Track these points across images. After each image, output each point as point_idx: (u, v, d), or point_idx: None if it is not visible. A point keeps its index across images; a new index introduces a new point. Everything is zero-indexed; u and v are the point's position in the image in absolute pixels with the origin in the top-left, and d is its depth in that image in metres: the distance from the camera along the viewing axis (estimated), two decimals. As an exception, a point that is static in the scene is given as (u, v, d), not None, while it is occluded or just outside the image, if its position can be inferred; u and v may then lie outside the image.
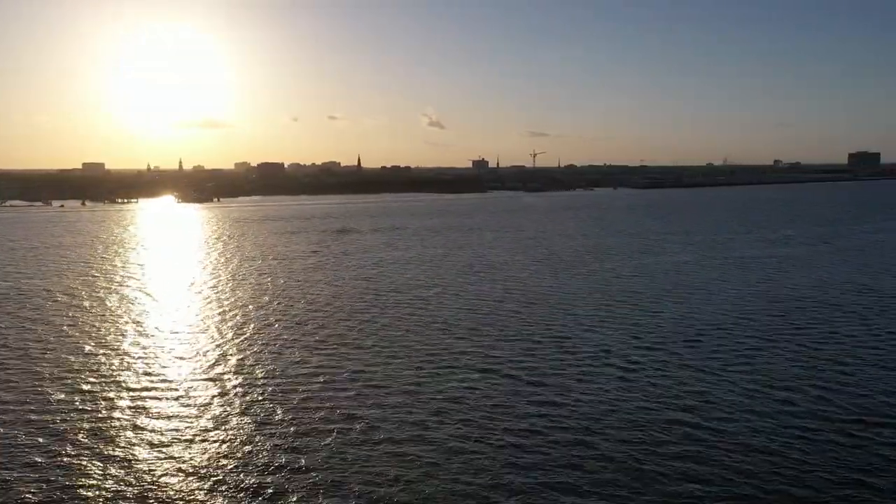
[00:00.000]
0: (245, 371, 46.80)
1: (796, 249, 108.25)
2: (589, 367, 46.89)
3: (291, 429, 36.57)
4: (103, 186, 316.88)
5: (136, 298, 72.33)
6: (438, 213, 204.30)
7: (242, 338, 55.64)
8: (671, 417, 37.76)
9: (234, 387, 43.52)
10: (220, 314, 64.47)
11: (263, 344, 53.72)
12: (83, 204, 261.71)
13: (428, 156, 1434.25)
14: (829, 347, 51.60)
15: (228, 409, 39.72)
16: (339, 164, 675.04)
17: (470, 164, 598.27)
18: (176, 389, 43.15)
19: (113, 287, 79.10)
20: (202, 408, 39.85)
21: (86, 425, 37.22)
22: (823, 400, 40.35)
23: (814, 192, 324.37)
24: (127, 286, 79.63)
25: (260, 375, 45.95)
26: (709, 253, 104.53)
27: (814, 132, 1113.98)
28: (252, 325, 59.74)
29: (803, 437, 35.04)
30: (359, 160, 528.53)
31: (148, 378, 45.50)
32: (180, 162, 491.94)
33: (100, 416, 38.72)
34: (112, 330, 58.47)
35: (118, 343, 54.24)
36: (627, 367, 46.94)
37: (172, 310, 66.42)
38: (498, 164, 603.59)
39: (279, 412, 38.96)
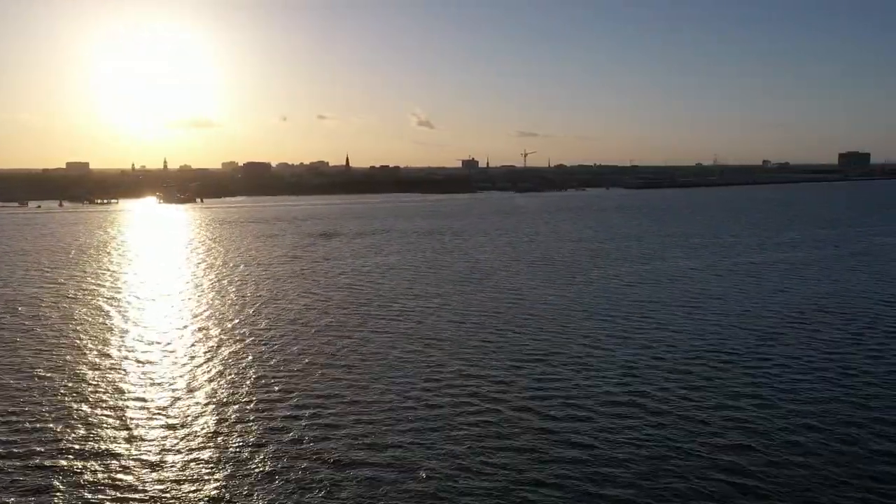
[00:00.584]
0: (201, 393, 40.13)
1: (805, 254, 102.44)
2: (604, 394, 40.47)
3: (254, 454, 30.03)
4: (83, 186, 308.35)
5: (85, 313, 64.78)
6: (427, 214, 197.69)
7: (198, 360, 48.85)
8: (715, 458, 31.48)
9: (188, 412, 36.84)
10: (177, 330, 57.52)
11: (226, 362, 47.04)
12: (60, 205, 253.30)
13: (417, 155, 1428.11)
14: (870, 365, 45.55)
15: (181, 439, 33.04)
16: (328, 163, 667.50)
17: (459, 164, 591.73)
18: (129, 411, 36.41)
19: (66, 298, 71.90)
20: (163, 431, 33.18)
21: (43, 447, 30.56)
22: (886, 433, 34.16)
23: (808, 193, 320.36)
24: (79, 298, 72.41)
25: (223, 396, 39.41)
26: (715, 258, 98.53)
27: (802, 133, 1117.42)
28: (213, 343, 52.97)
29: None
30: (347, 160, 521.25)
31: (101, 398, 38.69)
32: (165, 161, 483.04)
33: (59, 435, 31.94)
34: (55, 346, 51.49)
35: (66, 361, 47.31)
36: (649, 393, 40.59)
37: (128, 325, 59.44)
38: (488, 164, 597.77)
39: (240, 439, 32.37)
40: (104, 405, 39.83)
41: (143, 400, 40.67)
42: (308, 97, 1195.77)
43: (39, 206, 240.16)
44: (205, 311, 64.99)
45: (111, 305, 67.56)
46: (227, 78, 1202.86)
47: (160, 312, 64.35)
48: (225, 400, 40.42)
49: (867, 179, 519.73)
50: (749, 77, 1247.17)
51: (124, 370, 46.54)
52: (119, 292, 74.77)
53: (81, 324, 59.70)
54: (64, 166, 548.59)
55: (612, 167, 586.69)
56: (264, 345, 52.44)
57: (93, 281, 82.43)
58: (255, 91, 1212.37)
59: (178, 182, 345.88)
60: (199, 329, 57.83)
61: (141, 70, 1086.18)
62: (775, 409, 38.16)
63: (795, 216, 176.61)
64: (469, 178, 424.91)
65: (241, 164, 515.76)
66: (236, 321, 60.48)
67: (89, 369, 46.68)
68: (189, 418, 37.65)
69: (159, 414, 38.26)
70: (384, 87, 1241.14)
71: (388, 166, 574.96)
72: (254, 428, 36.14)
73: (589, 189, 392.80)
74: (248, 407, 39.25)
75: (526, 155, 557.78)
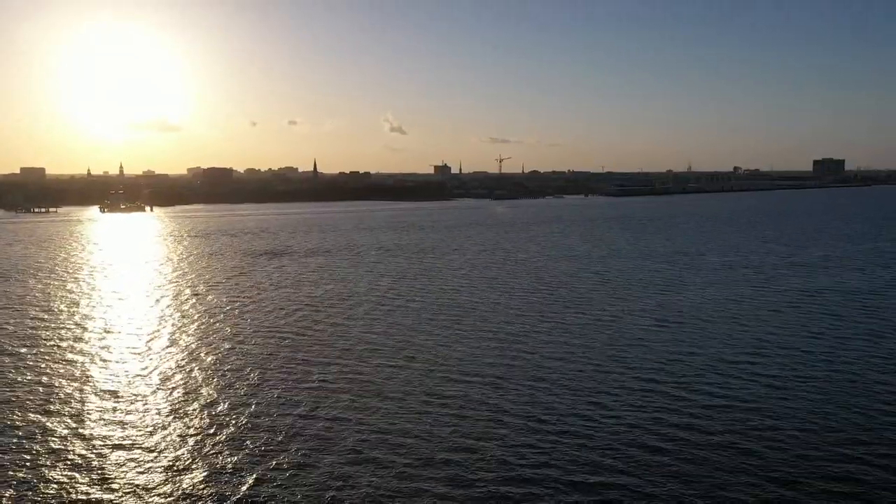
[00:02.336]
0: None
1: (854, 279, 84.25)
2: None
3: None
4: (25, 193, 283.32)
5: None
6: (396, 225, 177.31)
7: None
8: None
9: None
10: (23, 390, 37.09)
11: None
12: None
13: (390, 161, 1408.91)
14: None
15: None
16: (297, 169, 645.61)
17: (432, 170, 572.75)
18: None
19: None
20: None
21: None
22: None
23: (794, 200, 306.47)
24: None
25: None
26: (748, 285, 79.93)
27: (770, 139, 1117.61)
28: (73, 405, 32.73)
29: None
30: (315, 165, 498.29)
31: None
32: (121, 166, 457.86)
33: None
34: None
35: None
36: None
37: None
38: (461, 169, 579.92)
39: None
40: None
41: None
42: (279, 102, 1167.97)
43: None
44: (57, 367, 44.34)
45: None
46: (196, 81, 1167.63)
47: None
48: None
49: (842, 187, 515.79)
50: (720, 83, 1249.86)
51: None
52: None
53: None
54: (18, 171, 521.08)
55: (586, 174, 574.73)
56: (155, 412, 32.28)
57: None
58: (224, 95, 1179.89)
59: (131, 189, 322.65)
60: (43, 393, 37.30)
61: (105, 73, 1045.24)
62: None
63: (810, 229, 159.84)
64: (443, 185, 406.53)
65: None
66: (115, 379, 40.07)
67: None
68: None
69: None
70: (356, 93, 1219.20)
71: (357, 172, 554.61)
72: None
73: (567, 196, 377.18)
74: None
75: (501, 161, 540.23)
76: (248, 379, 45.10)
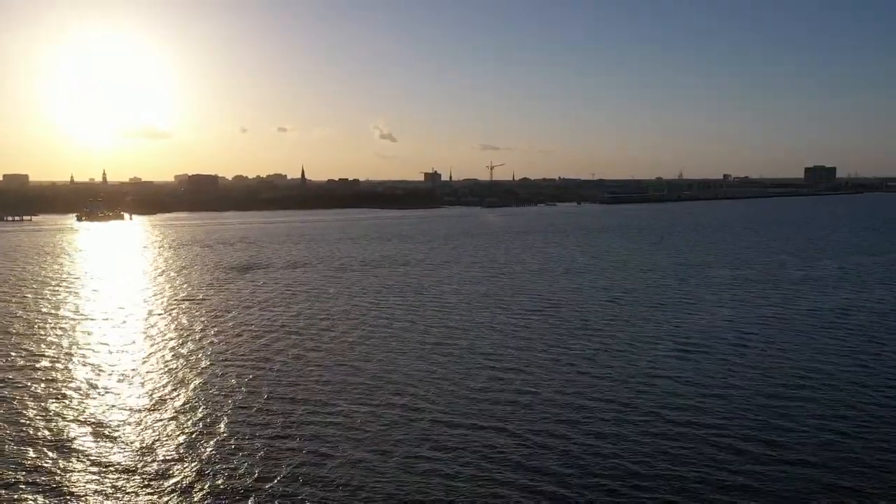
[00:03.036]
0: None
1: (882, 295, 76.91)
2: None
3: None
4: (1, 200, 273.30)
5: None
6: (384, 235, 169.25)
7: None
8: None
9: None
10: None
11: None
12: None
13: (380, 169, 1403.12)
14: None
15: None
16: (286, 176, 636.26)
17: (422, 178, 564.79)
18: None
19: None
20: None
21: None
22: None
23: (794, 208, 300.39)
24: None
25: None
26: (769, 303, 72.19)
27: (760, 147, 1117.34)
28: None
29: None
30: (303, 172, 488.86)
31: None
32: (104, 173, 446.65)
33: None
34: None
35: None
36: None
37: None
38: (451, 176, 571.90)
39: None
40: None
41: None
42: (269, 109, 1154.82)
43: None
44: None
45: None
46: (185, 88, 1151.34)
47: None
48: None
49: (835, 194, 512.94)
50: (710, 91, 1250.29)
51: None
52: None
53: None
54: (0, 178, 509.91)
55: (577, 181, 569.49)
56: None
57: None
58: (214, 102, 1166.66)
59: (113, 196, 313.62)
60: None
61: (93, 79, 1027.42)
62: None
63: (817, 239, 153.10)
64: (433, 193, 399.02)
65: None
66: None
67: None
68: None
69: None
70: (346, 100, 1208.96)
71: (346, 179, 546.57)
72: None
73: (560, 204, 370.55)
74: None
75: (493, 168, 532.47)
76: (206, 414, 37.01)
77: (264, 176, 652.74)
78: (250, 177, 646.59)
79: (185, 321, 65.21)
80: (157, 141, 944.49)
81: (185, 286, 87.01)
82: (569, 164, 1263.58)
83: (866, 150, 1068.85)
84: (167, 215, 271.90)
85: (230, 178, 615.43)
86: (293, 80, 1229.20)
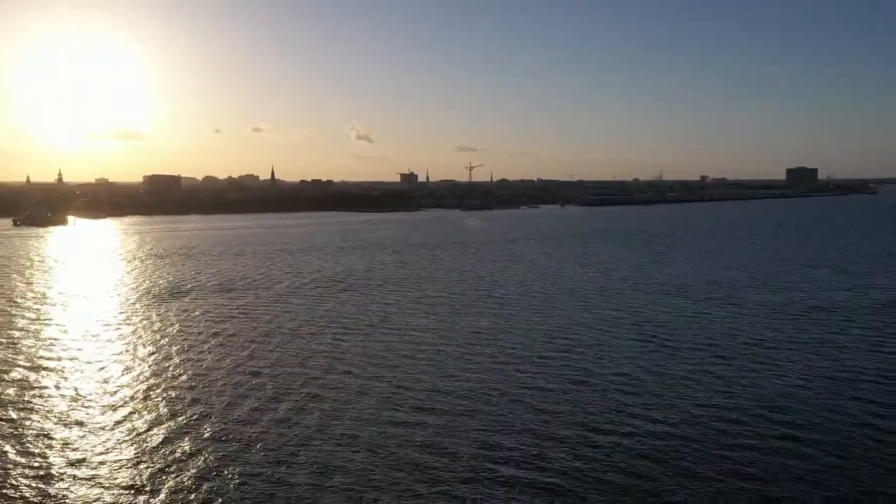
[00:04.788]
0: None
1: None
2: None
3: None
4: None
5: None
6: (352, 244, 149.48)
7: None
8: None
9: None
10: None
11: None
12: None
13: (356, 170, 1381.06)
14: None
15: None
16: (258, 177, 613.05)
17: (398, 178, 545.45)
18: None
19: None
20: None
21: None
22: None
23: (788, 211, 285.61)
24: None
25: None
26: (837, 344, 54.58)
27: (736, 148, 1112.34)
28: None
29: None
30: (272, 172, 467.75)
31: None
32: (60, 174, 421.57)
33: None
34: None
35: None
36: None
37: None
38: (428, 177, 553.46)
39: None
40: None
41: None
42: (243, 109, 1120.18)
43: None
44: None
45: None
46: (160, 89, 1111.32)
47: None
48: None
49: (819, 195, 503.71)
50: (688, 92, 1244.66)
51: None
52: None
53: None
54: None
55: (556, 182, 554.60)
56: None
57: None
58: (189, 102, 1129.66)
59: (69, 198, 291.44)
60: None
61: (62, 79, 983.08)
62: None
63: (841, 247, 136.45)
64: (410, 194, 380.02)
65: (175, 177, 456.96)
66: None
67: None
68: None
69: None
70: (323, 101, 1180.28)
71: (320, 180, 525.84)
72: None
73: (542, 206, 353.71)
74: None
75: (471, 169, 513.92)
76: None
77: (236, 177, 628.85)
78: (222, 178, 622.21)
79: (71, 367, 45.55)
80: (130, 142, 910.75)
81: (84, 317, 66.99)
82: (547, 165, 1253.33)
83: (843, 152, 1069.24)
84: (121, 219, 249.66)
85: (200, 179, 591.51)
86: (269, 80, 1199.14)
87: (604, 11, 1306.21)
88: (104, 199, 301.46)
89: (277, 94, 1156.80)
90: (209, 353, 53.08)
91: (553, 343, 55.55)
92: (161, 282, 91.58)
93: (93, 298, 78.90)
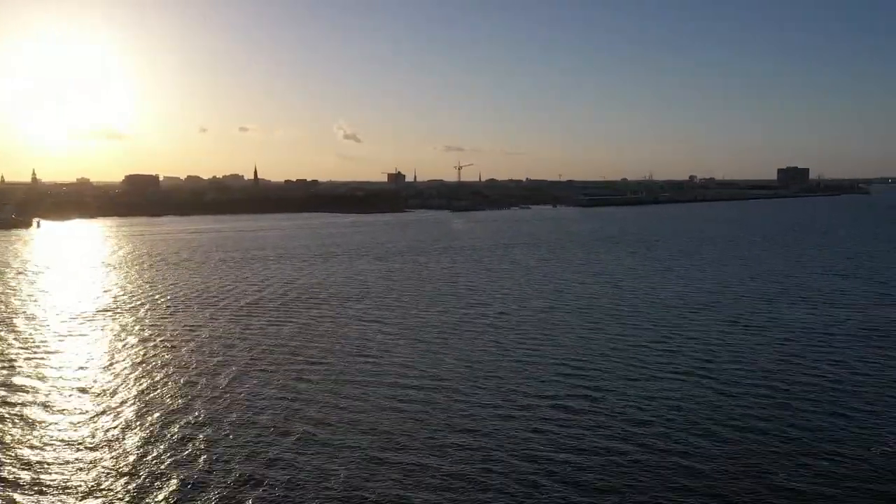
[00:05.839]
0: None
1: None
2: None
3: None
4: None
5: None
6: (331, 250, 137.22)
7: None
8: None
9: None
10: None
11: None
12: None
13: (343, 170, 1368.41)
14: None
15: None
16: (242, 177, 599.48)
17: (385, 178, 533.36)
18: None
19: None
20: None
21: None
22: None
23: (786, 212, 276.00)
24: None
25: None
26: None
27: (723, 147, 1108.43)
28: None
29: None
30: (255, 172, 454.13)
31: None
32: (34, 173, 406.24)
33: None
34: None
35: None
36: None
37: None
38: (415, 177, 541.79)
39: None
40: None
41: None
42: (229, 108, 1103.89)
43: None
44: None
45: None
46: (143, 87, 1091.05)
47: None
48: None
49: (812, 195, 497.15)
50: (677, 92, 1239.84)
51: None
52: None
53: None
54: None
55: (545, 182, 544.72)
56: None
57: None
58: (173, 101, 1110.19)
59: (41, 198, 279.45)
60: None
61: (45, 78, 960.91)
62: None
63: (872, 255, 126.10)
64: (397, 194, 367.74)
65: (162, 177, 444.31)
66: None
67: None
68: None
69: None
70: (310, 100, 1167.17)
71: (305, 180, 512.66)
72: None
73: (533, 206, 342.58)
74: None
75: (460, 168, 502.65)
76: None
77: (220, 177, 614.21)
78: (206, 178, 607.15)
79: None
80: (116, 142, 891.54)
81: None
82: (535, 165, 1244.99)
83: (831, 152, 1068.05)
84: (90, 221, 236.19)
85: (183, 179, 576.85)
86: (256, 79, 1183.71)
87: (594, 12, 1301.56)
88: (75, 200, 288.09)
89: (265, 94, 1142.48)
90: (121, 404, 41.32)
91: (546, 364, 44.19)
92: (98, 297, 79.33)
93: (26, 322, 66.77)
